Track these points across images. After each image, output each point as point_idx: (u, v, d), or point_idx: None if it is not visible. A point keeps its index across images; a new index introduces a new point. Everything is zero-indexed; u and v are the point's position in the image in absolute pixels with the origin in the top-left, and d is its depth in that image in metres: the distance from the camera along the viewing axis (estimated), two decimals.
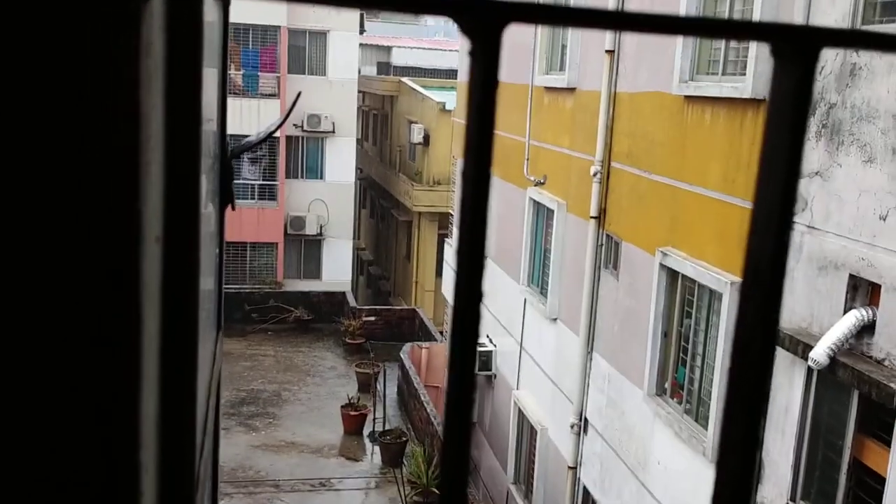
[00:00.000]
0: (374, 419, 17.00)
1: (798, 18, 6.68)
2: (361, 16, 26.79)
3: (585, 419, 10.74)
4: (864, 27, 6.13)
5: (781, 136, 0.39)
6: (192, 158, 0.71)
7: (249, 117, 24.54)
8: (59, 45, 0.46)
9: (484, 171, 0.38)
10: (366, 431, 17.23)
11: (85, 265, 0.50)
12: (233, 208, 1.62)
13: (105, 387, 0.51)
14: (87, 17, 0.46)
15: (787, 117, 0.39)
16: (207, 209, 1.23)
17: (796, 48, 0.39)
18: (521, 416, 12.95)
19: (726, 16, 7.96)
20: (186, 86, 0.68)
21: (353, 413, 17.20)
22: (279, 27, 24.92)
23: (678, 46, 8.45)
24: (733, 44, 7.92)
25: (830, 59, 6.36)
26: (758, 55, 7.19)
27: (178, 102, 0.64)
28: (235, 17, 23.89)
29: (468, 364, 0.41)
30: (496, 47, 0.37)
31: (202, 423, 1.23)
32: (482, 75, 0.37)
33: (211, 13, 1.22)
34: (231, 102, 26.95)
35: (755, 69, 7.20)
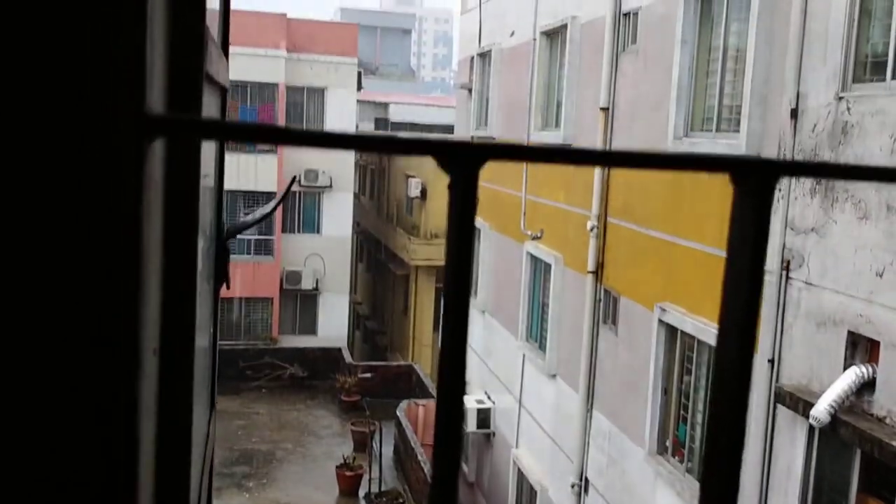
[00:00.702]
0: (369, 479, 16.72)
1: (790, 77, 6.78)
2: (359, 73, 27.23)
3: (586, 479, 10.58)
4: (855, 85, 6.21)
5: (743, 259, 0.42)
6: (189, 273, 0.72)
7: (247, 172, 24.73)
8: (70, 180, 0.48)
9: (464, 291, 0.41)
10: (361, 493, 16.92)
11: (84, 384, 0.50)
12: (227, 287, 1.61)
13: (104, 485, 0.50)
14: (97, 156, 0.49)
15: (749, 245, 0.42)
16: (205, 292, 1.23)
17: (755, 180, 0.43)
18: (521, 475, 12.74)
19: (718, 77, 8.09)
20: (185, 214, 0.70)
21: (348, 473, 16.93)
22: (277, 84, 25.29)
23: (672, 103, 8.56)
24: (727, 101, 8.03)
25: (822, 118, 6.44)
26: (751, 113, 7.28)
27: (174, 224, 0.66)
28: (234, 74, 24.28)
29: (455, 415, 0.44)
30: (473, 182, 0.41)
31: (195, 500, 1.20)
32: (460, 206, 0.41)
33: (209, 104, 1.24)
34: (229, 158, 27.22)
35: (749, 126, 7.28)
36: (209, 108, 1.09)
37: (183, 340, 0.71)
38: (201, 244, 1.08)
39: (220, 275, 1.55)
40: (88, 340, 0.50)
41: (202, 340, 1.17)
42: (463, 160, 0.41)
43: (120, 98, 0.47)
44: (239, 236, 25.35)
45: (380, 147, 0.45)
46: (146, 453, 0.59)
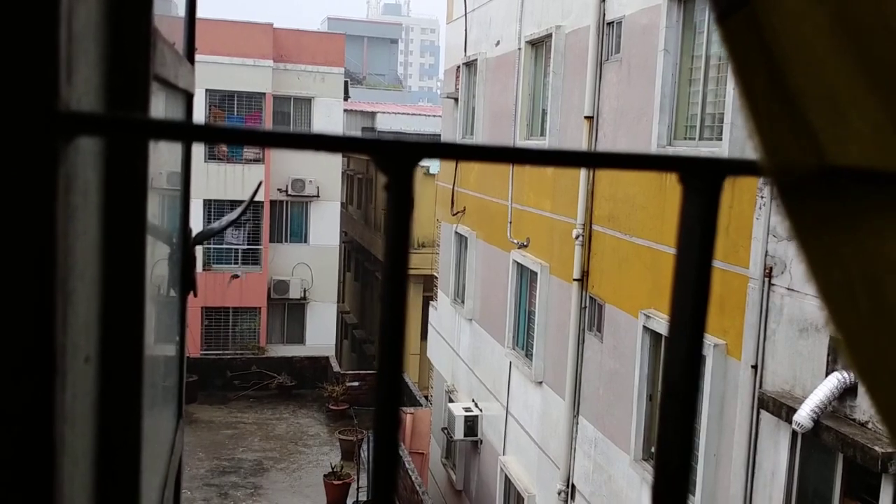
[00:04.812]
0: (357, 488, 16.66)
1: None
2: (346, 82, 27.24)
3: (573, 485, 10.57)
4: None
5: (691, 256, 0.42)
6: (134, 279, 0.71)
7: (234, 182, 24.66)
8: None
9: (399, 289, 0.41)
10: (350, 501, 16.85)
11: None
12: (195, 295, 1.61)
13: None
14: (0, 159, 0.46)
15: (696, 239, 0.41)
16: (167, 298, 1.22)
17: (702, 179, 0.42)
18: (508, 482, 12.73)
19: (701, 85, 8.15)
20: (128, 219, 0.68)
21: (336, 482, 16.85)
22: (264, 94, 25.27)
23: (655, 111, 8.62)
24: (710, 109, 8.09)
25: None
26: (733, 121, 7.34)
27: (118, 234, 0.64)
28: (221, 83, 24.28)
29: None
30: (409, 180, 0.41)
31: None
32: (396, 205, 0.41)
33: (174, 110, 1.23)
34: (216, 168, 26.94)
35: (731, 134, 7.34)
36: (169, 111, 1.09)
37: (128, 348, 0.70)
38: (166, 250, 1.08)
39: (187, 282, 1.55)
40: None
41: (162, 348, 1.17)
42: (398, 158, 0.41)
43: (26, 90, 0.45)
44: (226, 246, 25.27)
45: (315, 145, 0.45)
46: (76, 462, 0.59)
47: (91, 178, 0.58)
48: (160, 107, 0.87)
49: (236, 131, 0.43)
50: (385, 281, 0.41)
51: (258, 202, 24.99)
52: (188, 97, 1.55)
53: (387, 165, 0.41)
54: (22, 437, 0.48)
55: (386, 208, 0.42)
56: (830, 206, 0.41)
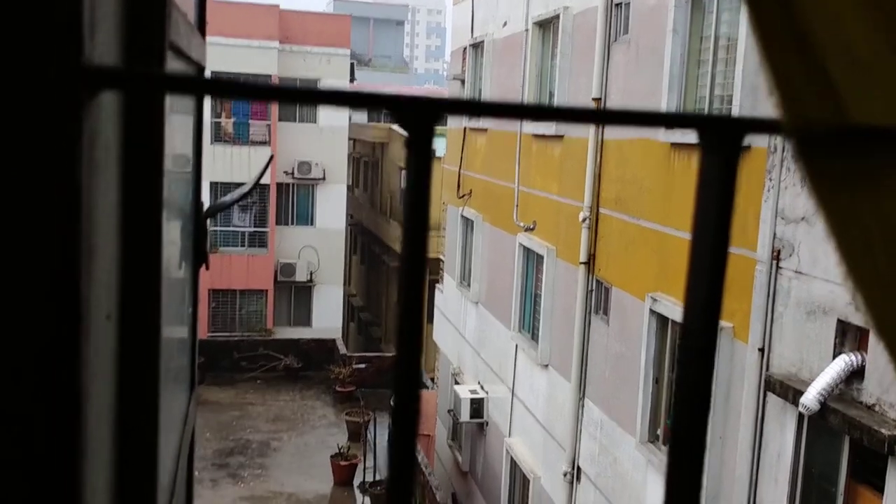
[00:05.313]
0: (364, 469, 16.76)
1: None
2: (352, 65, 27.15)
3: (578, 467, 10.62)
4: None
5: (709, 219, 0.42)
6: (152, 243, 0.72)
7: (240, 164, 24.66)
8: None
9: (419, 251, 0.41)
10: (356, 482, 16.96)
11: (23, 350, 0.50)
12: (206, 268, 1.61)
13: (44, 466, 0.50)
14: (26, 112, 0.47)
15: (714, 203, 0.41)
16: (181, 269, 1.22)
17: (721, 138, 0.42)
18: (514, 464, 12.79)
19: (710, 66, 8.09)
20: (146, 174, 0.69)
21: (343, 463, 16.96)
22: (270, 76, 25.19)
23: (663, 92, 8.57)
24: (718, 90, 8.04)
25: None
26: (742, 102, 7.29)
27: (136, 190, 0.65)
28: (227, 66, 24.20)
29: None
30: (430, 136, 0.41)
31: (169, 484, 1.20)
32: (417, 161, 0.41)
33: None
34: (222, 150, 26.90)
35: (740, 115, 7.28)
36: None
37: (146, 308, 0.71)
38: (178, 222, 1.08)
39: (200, 254, 1.55)
40: (24, 296, 0.50)
41: (176, 317, 1.17)
42: (419, 114, 0.41)
43: (54, 45, 0.46)
44: (233, 229, 25.31)
45: (334, 100, 0.44)
46: (98, 415, 0.59)
47: (111, 137, 0.59)
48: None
49: (251, 86, 0.43)
50: (406, 235, 0.41)
51: (264, 185, 24.99)
52: (200, 70, 1.55)
53: (408, 122, 0.40)
54: (50, 381, 0.49)
55: (406, 164, 0.42)
56: (850, 164, 0.41)
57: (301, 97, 0.42)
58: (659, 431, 8.82)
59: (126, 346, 0.65)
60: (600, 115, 0.46)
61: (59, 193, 0.48)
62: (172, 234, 1.00)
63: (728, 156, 0.43)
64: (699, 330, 0.44)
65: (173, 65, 0.97)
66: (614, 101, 9.92)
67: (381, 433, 17.86)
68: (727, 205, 0.43)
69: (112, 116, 0.59)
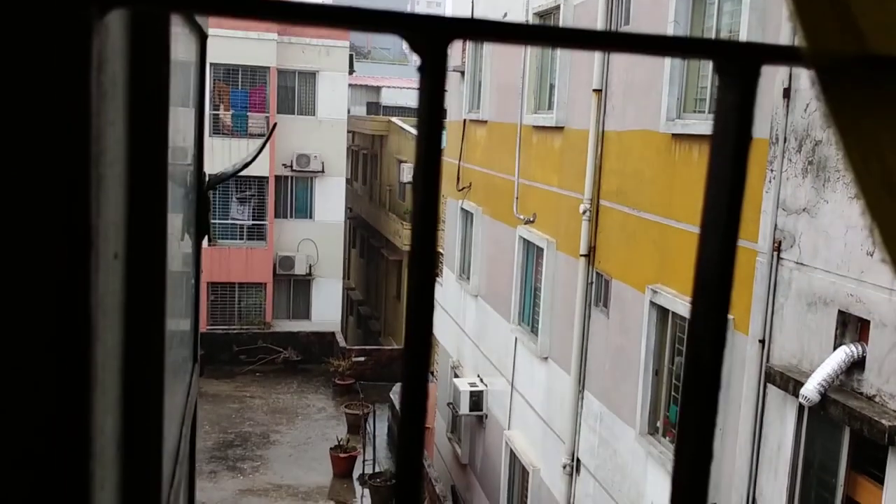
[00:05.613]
0: (364, 461, 16.78)
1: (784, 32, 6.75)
2: (351, 56, 27.07)
3: (578, 459, 10.63)
4: None
5: (726, 149, 0.41)
6: (159, 176, 0.71)
7: (239, 157, 24.55)
8: (8, 48, 0.47)
9: (433, 183, 0.39)
10: (356, 474, 16.98)
11: (33, 275, 0.50)
12: (209, 241, 1.60)
13: (54, 397, 0.50)
14: (34, 31, 0.47)
15: (732, 132, 0.40)
16: (184, 240, 1.21)
17: (738, 64, 0.41)
18: (513, 456, 12.80)
19: (714, 28, 8.06)
20: (152, 102, 0.67)
21: (342, 455, 16.98)
22: (268, 68, 25.13)
23: (665, 85, 8.54)
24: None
25: (815, 98, 6.43)
26: None
27: (142, 118, 0.64)
28: (225, 58, 24.16)
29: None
30: (443, 59, 0.39)
31: (173, 450, 1.19)
32: (429, 84, 0.39)
33: (188, 50, 1.22)
34: (220, 142, 26.89)
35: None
36: (187, 49, 1.07)
37: (152, 247, 0.70)
38: (181, 191, 1.06)
39: (202, 226, 1.54)
40: (33, 225, 0.49)
41: (181, 281, 1.16)
42: (432, 35, 0.39)
43: None
44: (232, 221, 25.27)
45: (347, 22, 0.41)
46: (108, 351, 0.58)
47: (118, 71, 0.58)
48: (178, 47, 0.86)
49: (255, 3, 0.40)
50: (418, 164, 0.39)
51: (263, 177, 24.95)
52: (202, 38, 1.54)
53: (420, 43, 0.38)
54: (60, 312, 0.49)
55: (419, 91, 0.40)
56: (870, 95, 0.41)
57: (308, 14, 0.39)
58: (659, 423, 8.82)
59: (132, 286, 0.64)
60: (611, 38, 0.44)
61: (70, 113, 0.48)
62: (181, 205, 0.98)
63: (746, 83, 0.42)
64: (716, 261, 0.42)
65: (181, 31, 0.96)
66: (615, 93, 9.89)
67: (380, 426, 17.88)
68: (745, 133, 0.42)
69: (119, 45, 0.59)
